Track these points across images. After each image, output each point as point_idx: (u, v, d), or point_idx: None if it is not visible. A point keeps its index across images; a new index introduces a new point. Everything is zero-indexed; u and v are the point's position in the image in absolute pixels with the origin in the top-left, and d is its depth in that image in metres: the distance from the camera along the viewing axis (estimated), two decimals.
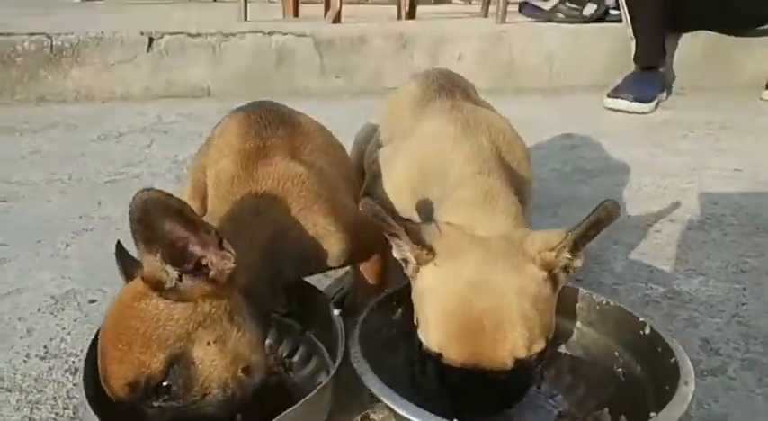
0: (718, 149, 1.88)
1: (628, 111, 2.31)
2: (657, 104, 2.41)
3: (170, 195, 0.55)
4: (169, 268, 0.58)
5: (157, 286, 0.58)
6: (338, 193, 0.81)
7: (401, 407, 0.59)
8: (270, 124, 0.81)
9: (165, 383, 0.57)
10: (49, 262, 1.13)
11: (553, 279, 0.67)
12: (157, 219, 0.55)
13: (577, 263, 0.68)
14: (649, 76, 2.41)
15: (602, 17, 2.98)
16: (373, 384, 0.63)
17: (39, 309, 0.98)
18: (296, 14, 3.24)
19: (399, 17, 3.27)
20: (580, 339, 0.81)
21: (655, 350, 0.71)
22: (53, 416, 0.75)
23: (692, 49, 2.74)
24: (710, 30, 2.71)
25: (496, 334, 0.61)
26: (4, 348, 0.89)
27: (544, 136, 1.96)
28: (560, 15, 3.02)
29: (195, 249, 0.59)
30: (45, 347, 0.89)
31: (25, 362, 0.86)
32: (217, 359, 0.59)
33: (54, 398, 0.78)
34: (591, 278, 1.09)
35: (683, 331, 0.94)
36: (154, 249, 0.56)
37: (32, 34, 2.31)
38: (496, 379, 0.62)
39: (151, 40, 2.40)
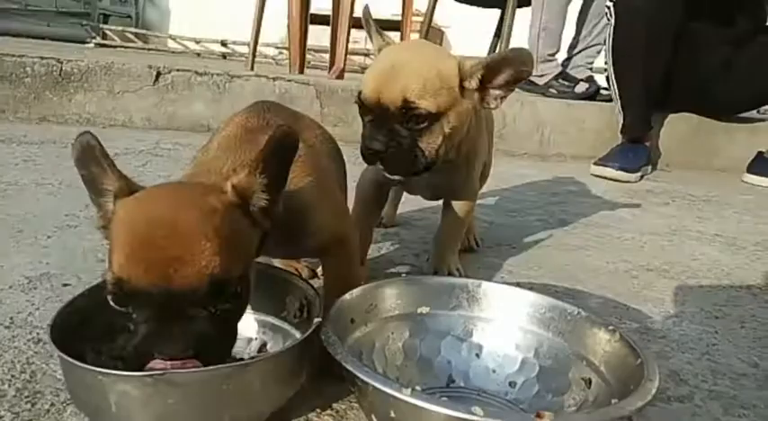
0: (699, 217, 1.92)
1: (613, 179, 2.37)
2: (642, 177, 2.49)
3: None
4: (264, 195, 0.63)
5: (245, 202, 0.63)
6: (328, 179, 0.84)
7: (366, 375, 0.59)
8: (272, 110, 0.86)
9: (236, 291, 0.60)
10: (27, 248, 1.13)
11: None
12: (289, 153, 0.63)
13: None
14: (635, 149, 2.50)
15: (593, 96, 3.12)
16: (338, 354, 0.62)
17: (10, 287, 0.97)
18: (301, 72, 3.36)
19: None
20: (550, 349, 0.81)
21: (622, 355, 0.72)
22: (9, 377, 0.73)
23: (677, 130, 2.85)
24: (693, 113, 2.84)
25: None
26: None
27: (531, 191, 2.01)
28: (553, 91, 3.16)
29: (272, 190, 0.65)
30: (11, 318, 0.87)
31: None
32: (249, 289, 0.64)
33: (12, 362, 0.76)
34: None
35: None
36: (268, 172, 0.62)
37: (43, 58, 2.39)
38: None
39: (159, 73, 2.48)
